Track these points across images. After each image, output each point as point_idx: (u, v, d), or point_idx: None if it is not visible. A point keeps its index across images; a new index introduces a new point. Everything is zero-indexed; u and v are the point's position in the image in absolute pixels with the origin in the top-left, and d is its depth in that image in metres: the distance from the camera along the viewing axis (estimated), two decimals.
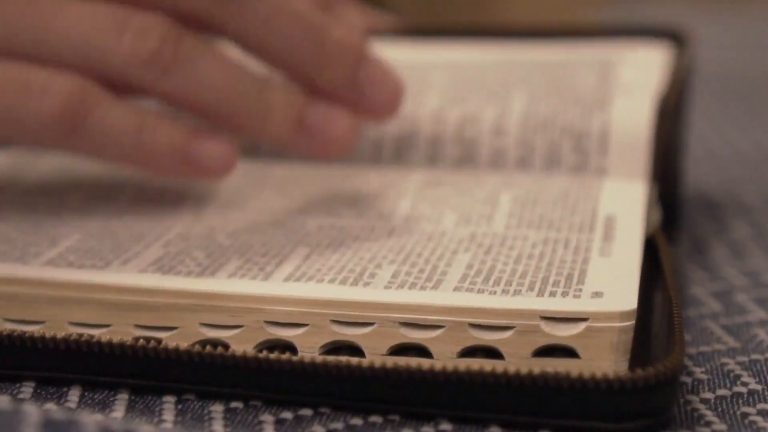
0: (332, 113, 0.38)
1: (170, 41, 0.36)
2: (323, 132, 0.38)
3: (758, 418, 0.32)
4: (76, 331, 0.33)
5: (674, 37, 0.49)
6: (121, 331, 0.33)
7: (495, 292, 0.33)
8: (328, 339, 0.32)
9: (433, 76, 0.47)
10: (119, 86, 0.37)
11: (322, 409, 0.32)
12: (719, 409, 0.32)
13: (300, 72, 0.38)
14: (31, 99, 0.36)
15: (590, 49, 0.49)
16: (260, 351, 0.32)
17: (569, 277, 0.33)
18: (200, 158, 0.37)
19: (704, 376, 0.34)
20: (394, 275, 0.34)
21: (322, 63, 0.38)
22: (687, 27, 0.50)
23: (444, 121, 0.44)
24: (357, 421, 0.31)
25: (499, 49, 0.50)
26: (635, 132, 0.42)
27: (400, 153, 0.43)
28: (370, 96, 0.39)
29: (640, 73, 0.46)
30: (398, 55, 0.50)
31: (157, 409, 0.32)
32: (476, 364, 0.31)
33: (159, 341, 0.32)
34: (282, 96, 0.38)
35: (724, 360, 0.35)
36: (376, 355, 0.32)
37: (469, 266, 0.34)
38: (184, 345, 0.32)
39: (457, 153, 0.43)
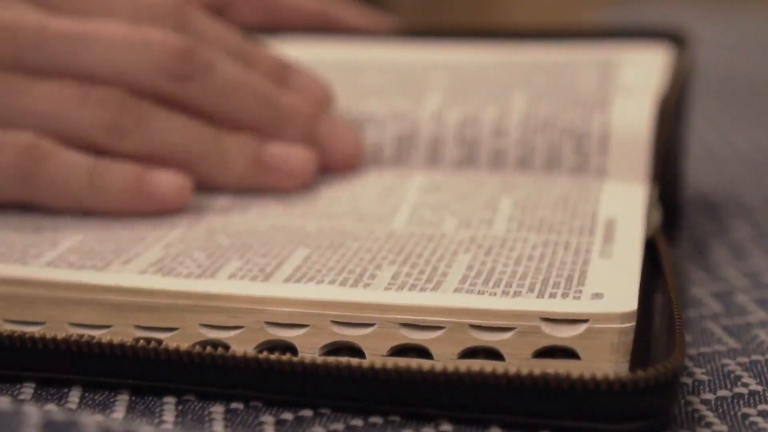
0: (288, 149, 0.42)
1: (127, 108, 0.40)
2: (281, 166, 0.41)
3: (759, 419, 0.32)
4: (76, 332, 0.33)
5: (674, 38, 0.49)
6: (122, 332, 0.33)
7: (495, 294, 0.33)
8: (328, 340, 0.32)
9: (433, 76, 0.47)
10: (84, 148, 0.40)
11: (323, 410, 0.32)
12: (720, 410, 0.32)
13: (260, 132, 0.42)
14: None
15: (591, 50, 0.49)
16: (260, 352, 0.32)
17: (569, 279, 0.33)
18: (154, 190, 0.39)
19: (705, 377, 0.34)
20: (394, 276, 0.34)
21: (278, 125, 0.42)
22: (687, 28, 0.50)
23: (444, 122, 0.44)
24: (357, 422, 0.31)
25: (499, 50, 0.50)
26: (636, 133, 0.42)
27: (400, 153, 0.43)
28: (330, 150, 0.43)
29: (640, 74, 0.46)
30: (399, 55, 0.50)
31: (157, 410, 0.32)
32: (476, 365, 0.31)
33: (159, 342, 0.32)
34: (237, 141, 0.41)
35: (725, 361, 0.35)
36: (376, 356, 0.32)
37: (470, 267, 0.34)
38: (184, 346, 0.32)
39: (457, 153, 0.43)
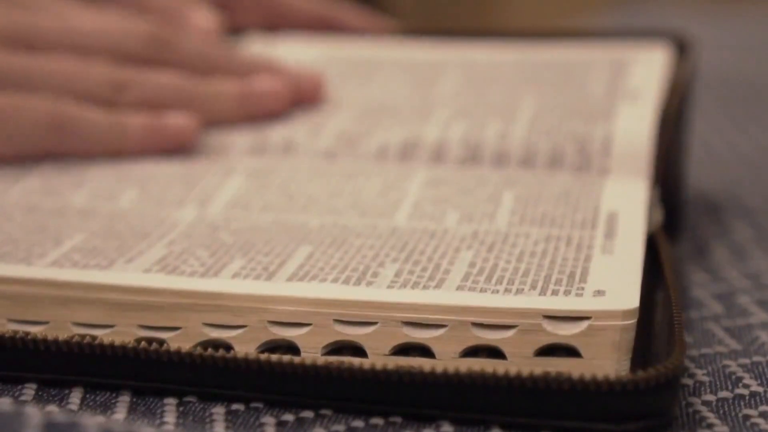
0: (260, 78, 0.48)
1: (124, 67, 0.47)
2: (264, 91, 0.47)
3: (760, 420, 0.32)
4: (79, 331, 0.33)
5: (676, 40, 0.49)
6: (125, 332, 0.33)
7: (498, 291, 0.33)
8: (330, 339, 0.32)
9: (445, 74, 0.48)
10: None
11: (324, 411, 0.32)
12: (721, 412, 0.32)
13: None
14: (23, 112, 0.44)
15: (600, 50, 0.49)
16: (262, 352, 0.32)
17: (571, 276, 0.33)
18: (169, 126, 0.45)
19: (706, 378, 0.34)
20: (397, 274, 0.34)
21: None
22: (688, 30, 0.50)
23: (449, 131, 0.44)
24: (358, 423, 0.31)
25: (510, 49, 0.50)
26: (638, 136, 0.42)
27: (404, 155, 0.43)
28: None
29: (647, 75, 0.46)
30: (410, 55, 0.51)
31: (158, 411, 0.32)
32: (477, 365, 0.31)
33: (161, 343, 0.32)
34: (220, 82, 0.47)
35: (726, 362, 0.35)
36: (378, 355, 0.32)
37: (472, 264, 0.34)
38: (186, 346, 0.32)
39: (460, 154, 0.43)
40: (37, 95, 0.45)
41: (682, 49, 0.49)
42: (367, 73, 0.49)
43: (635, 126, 0.43)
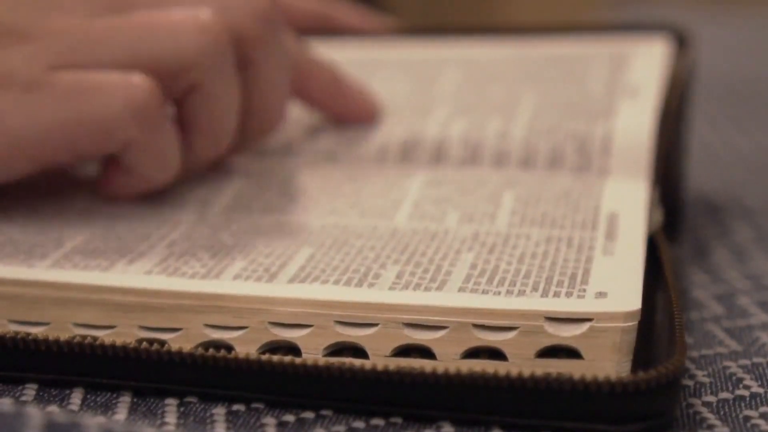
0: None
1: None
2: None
3: (761, 422, 0.32)
4: (80, 332, 0.33)
5: (676, 33, 0.49)
6: (126, 333, 0.33)
7: (499, 293, 0.33)
8: (331, 340, 0.32)
9: (445, 72, 0.48)
10: None
11: (324, 412, 0.32)
12: (721, 413, 0.32)
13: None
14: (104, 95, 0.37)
15: (601, 44, 0.49)
16: (264, 353, 0.32)
17: (573, 277, 0.33)
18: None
19: (706, 380, 0.34)
20: (399, 275, 0.34)
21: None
22: (688, 27, 0.50)
23: (450, 130, 0.44)
24: (359, 423, 0.31)
25: (511, 45, 0.50)
26: (638, 135, 0.42)
27: (404, 155, 0.43)
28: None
29: (647, 70, 0.46)
30: (405, 54, 0.51)
31: (159, 411, 0.32)
32: (479, 366, 0.31)
33: (162, 343, 0.32)
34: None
35: (727, 363, 0.35)
36: (379, 356, 0.32)
37: (473, 266, 0.34)
38: (187, 347, 0.32)
39: (460, 155, 0.43)
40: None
41: (681, 42, 0.49)
42: (367, 72, 0.49)
43: (635, 124, 0.43)
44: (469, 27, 0.53)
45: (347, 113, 0.45)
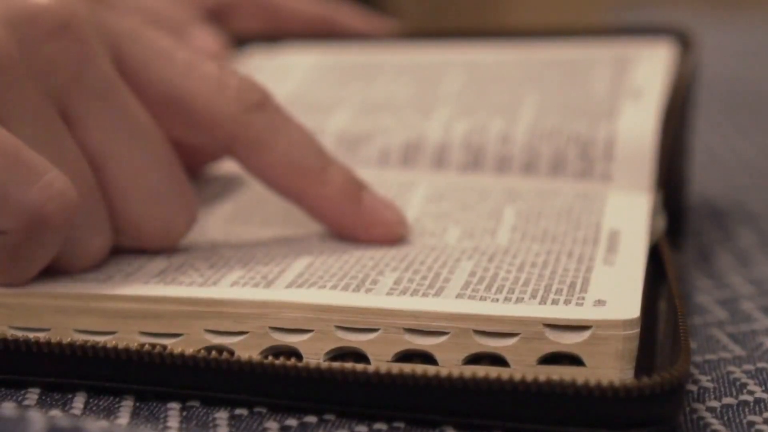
0: (386, 201, 0.39)
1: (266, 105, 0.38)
2: (376, 212, 0.38)
3: (765, 427, 0.31)
4: (81, 338, 0.33)
5: (680, 36, 0.49)
6: (127, 338, 0.33)
7: (497, 300, 0.32)
8: (333, 345, 0.32)
9: (448, 75, 0.48)
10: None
11: (327, 416, 0.32)
12: (725, 418, 0.32)
13: None
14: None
15: (604, 46, 0.49)
16: (265, 357, 0.32)
17: (572, 286, 0.33)
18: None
19: (710, 385, 0.34)
20: (397, 282, 0.34)
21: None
22: (691, 30, 0.50)
23: (451, 131, 0.44)
24: (361, 428, 0.31)
25: (514, 49, 0.50)
26: (641, 138, 0.42)
27: (406, 158, 0.43)
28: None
29: (650, 72, 0.46)
30: (407, 57, 0.51)
31: (161, 415, 0.32)
32: (481, 371, 0.31)
33: (164, 347, 0.32)
34: (343, 171, 0.38)
35: (730, 368, 0.35)
36: (381, 361, 0.32)
37: (472, 273, 0.34)
38: (189, 351, 0.32)
39: (463, 159, 0.43)
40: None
41: (685, 46, 0.49)
42: (369, 75, 0.49)
43: (638, 127, 0.43)
44: (472, 30, 0.53)
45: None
